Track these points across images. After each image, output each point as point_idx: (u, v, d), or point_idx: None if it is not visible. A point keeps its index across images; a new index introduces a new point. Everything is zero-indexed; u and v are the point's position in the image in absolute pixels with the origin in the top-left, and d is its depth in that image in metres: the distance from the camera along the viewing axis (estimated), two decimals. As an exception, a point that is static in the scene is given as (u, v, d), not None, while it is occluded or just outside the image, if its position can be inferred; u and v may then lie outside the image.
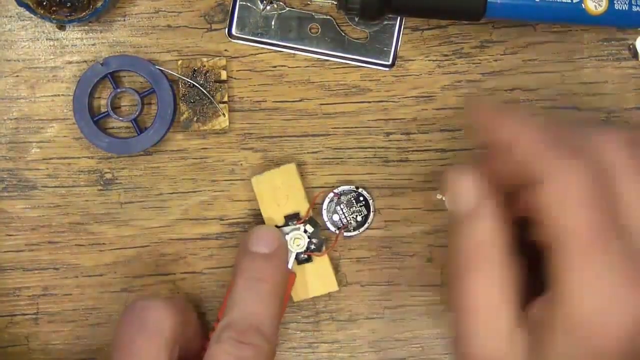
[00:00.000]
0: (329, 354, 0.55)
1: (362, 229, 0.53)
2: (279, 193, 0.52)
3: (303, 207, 0.52)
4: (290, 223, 0.52)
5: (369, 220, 0.52)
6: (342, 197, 0.52)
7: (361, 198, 0.53)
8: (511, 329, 0.38)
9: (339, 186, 0.53)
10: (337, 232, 0.52)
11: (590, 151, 0.38)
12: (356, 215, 0.53)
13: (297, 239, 0.51)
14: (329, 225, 0.53)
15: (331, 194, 0.52)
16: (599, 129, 0.40)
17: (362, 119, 0.54)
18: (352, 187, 0.52)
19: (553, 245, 0.36)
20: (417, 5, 0.49)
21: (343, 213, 0.52)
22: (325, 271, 0.53)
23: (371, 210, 0.52)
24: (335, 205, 0.52)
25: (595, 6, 0.48)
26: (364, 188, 0.53)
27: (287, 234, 0.51)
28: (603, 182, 0.37)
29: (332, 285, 0.53)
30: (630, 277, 0.35)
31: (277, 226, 0.52)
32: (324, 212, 0.53)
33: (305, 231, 0.51)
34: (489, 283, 0.38)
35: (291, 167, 0.52)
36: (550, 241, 0.37)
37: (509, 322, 0.38)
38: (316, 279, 0.53)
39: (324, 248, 0.52)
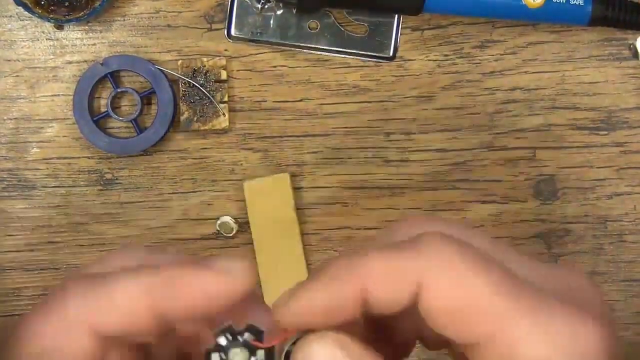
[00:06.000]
0: (329, 354, 0.55)
1: None
2: (269, 201, 0.52)
3: (290, 219, 0.52)
4: (239, 338, 0.28)
5: None
6: None
7: None
8: None
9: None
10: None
11: None
12: None
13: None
14: None
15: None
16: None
17: (362, 119, 0.54)
18: None
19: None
20: None
21: None
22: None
23: None
24: None
25: None
26: None
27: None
28: None
29: None
30: None
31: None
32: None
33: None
34: None
35: (284, 177, 0.52)
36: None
37: None
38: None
39: None
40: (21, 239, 0.54)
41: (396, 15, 0.53)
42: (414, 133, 0.54)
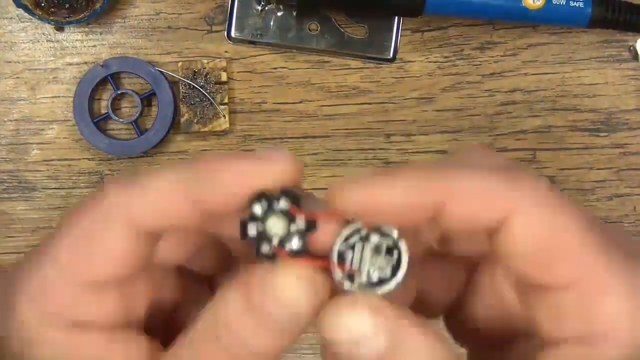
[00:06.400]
0: (330, 355, 0.55)
1: (377, 289, 0.28)
2: None
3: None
4: (275, 205, 0.26)
5: (391, 285, 0.28)
6: (372, 237, 0.28)
7: (395, 252, 0.28)
8: None
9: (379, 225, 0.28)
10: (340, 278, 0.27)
11: None
12: (375, 271, 0.29)
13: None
14: (334, 258, 0.28)
15: (365, 229, 0.28)
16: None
17: (362, 121, 0.54)
18: (393, 235, 0.28)
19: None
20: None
21: (361, 257, 0.29)
22: None
23: (400, 273, 0.28)
24: (358, 242, 0.29)
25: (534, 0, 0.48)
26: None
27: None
28: None
29: None
30: None
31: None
32: (338, 241, 0.28)
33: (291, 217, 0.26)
34: None
35: None
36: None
37: None
38: None
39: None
40: (22, 240, 0.54)
41: (396, 17, 0.53)
42: (414, 135, 0.54)
